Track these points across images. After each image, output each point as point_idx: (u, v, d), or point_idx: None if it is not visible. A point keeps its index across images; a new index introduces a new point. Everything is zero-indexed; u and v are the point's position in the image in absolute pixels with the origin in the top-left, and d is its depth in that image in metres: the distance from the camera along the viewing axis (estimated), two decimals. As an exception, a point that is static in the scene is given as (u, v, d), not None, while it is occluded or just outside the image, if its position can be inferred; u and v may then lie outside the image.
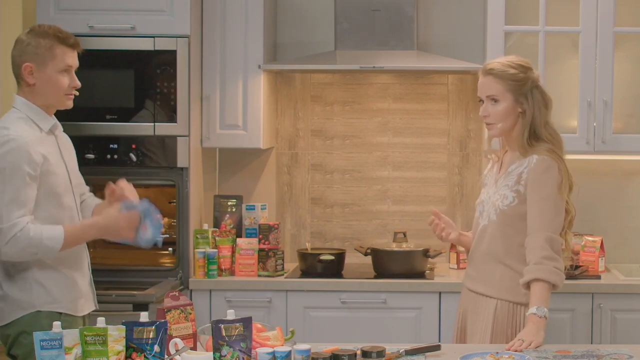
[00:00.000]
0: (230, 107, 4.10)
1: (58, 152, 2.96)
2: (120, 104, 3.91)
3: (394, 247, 4.10)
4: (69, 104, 2.98)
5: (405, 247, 4.09)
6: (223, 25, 4.06)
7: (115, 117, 3.90)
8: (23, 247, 2.77)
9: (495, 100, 2.93)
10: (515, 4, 4.08)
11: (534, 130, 2.92)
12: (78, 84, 2.95)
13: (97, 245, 4.14)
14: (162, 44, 3.88)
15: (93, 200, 3.19)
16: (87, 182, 4.14)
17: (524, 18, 4.11)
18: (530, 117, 2.91)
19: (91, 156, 3.90)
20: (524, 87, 2.91)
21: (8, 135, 2.80)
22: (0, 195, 2.77)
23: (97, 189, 4.22)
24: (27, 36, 2.90)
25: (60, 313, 2.86)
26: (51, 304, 2.87)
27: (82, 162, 3.89)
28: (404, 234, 4.14)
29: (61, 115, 3.87)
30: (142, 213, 2.93)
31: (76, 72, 2.95)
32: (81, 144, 3.91)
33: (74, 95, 2.97)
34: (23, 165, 2.77)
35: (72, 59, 2.92)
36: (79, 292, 2.95)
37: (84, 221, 2.97)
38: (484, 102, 2.95)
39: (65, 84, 2.91)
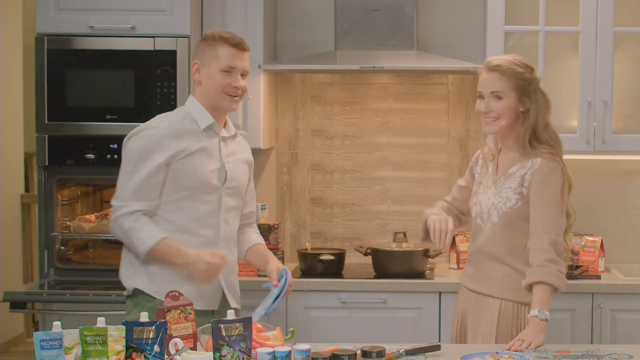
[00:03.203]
0: (230, 107, 4.09)
1: (215, 151, 3.04)
2: (120, 104, 3.91)
3: (394, 247, 4.10)
4: (231, 106, 3.04)
5: (405, 247, 4.09)
6: (223, 25, 4.05)
7: (115, 117, 3.90)
8: (119, 234, 2.98)
9: (499, 97, 2.91)
10: (515, 4, 4.08)
11: (535, 132, 2.92)
12: (241, 85, 3.01)
13: (97, 245, 4.16)
14: (162, 44, 3.88)
15: (255, 238, 3.27)
16: (88, 182, 4.18)
17: (524, 18, 4.11)
18: (534, 117, 2.91)
19: (91, 156, 3.90)
20: (529, 87, 2.92)
21: (146, 126, 3.01)
22: (122, 176, 2.98)
23: (97, 190, 4.25)
24: (201, 40, 3.09)
25: (154, 298, 2.95)
26: (147, 285, 2.99)
27: (82, 162, 3.93)
28: (404, 234, 4.14)
29: (61, 115, 3.90)
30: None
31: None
32: (81, 144, 3.92)
33: (238, 97, 3.03)
34: (150, 155, 2.93)
35: (236, 60, 3.00)
36: (178, 285, 2.92)
37: (183, 247, 2.97)
38: (485, 98, 2.93)
39: (224, 83, 2.99)
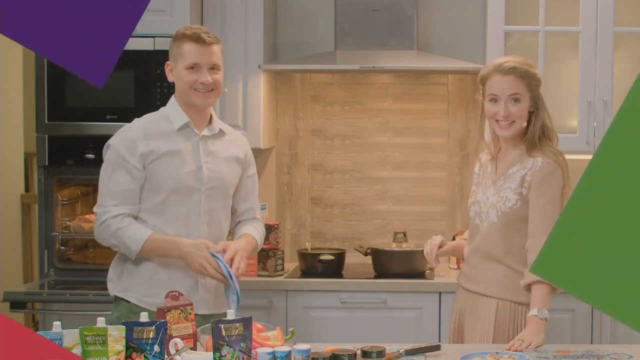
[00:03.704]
0: (231, 107, 4.10)
1: (191, 151, 3.00)
2: (120, 104, 3.91)
3: (394, 247, 4.10)
4: (203, 101, 3.00)
5: (405, 247, 4.09)
6: (223, 25, 4.06)
7: (115, 117, 3.90)
8: (107, 236, 2.95)
9: (517, 100, 2.89)
10: (515, 4, 4.08)
11: (544, 130, 2.93)
12: (207, 80, 2.96)
13: (97, 245, 4.15)
14: (162, 44, 3.88)
15: (245, 229, 3.16)
16: (88, 182, 4.18)
17: (524, 18, 4.10)
18: (543, 115, 2.93)
19: (91, 156, 3.90)
20: (539, 87, 2.94)
21: (121, 130, 3.02)
22: (101, 183, 2.99)
23: (97, 189, 4.24)
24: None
25: (129, 302, 2.99)
26: (124, 292, 3.01)
27: (82, 162, 3.93)
28: (404, 234, 4.15)
29: (61, 115, 3.90)
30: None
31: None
32: (81, 144, 3.93)
33: (209, 92, 2.98)
34: (124, 159, 2.94)
35: (200, 56, 2.95)
36: (160, 287, 2.91)
37: (172, 237, 2.97)
38: (502, 101, 2.89)
39: (191, 80, 2.96)
